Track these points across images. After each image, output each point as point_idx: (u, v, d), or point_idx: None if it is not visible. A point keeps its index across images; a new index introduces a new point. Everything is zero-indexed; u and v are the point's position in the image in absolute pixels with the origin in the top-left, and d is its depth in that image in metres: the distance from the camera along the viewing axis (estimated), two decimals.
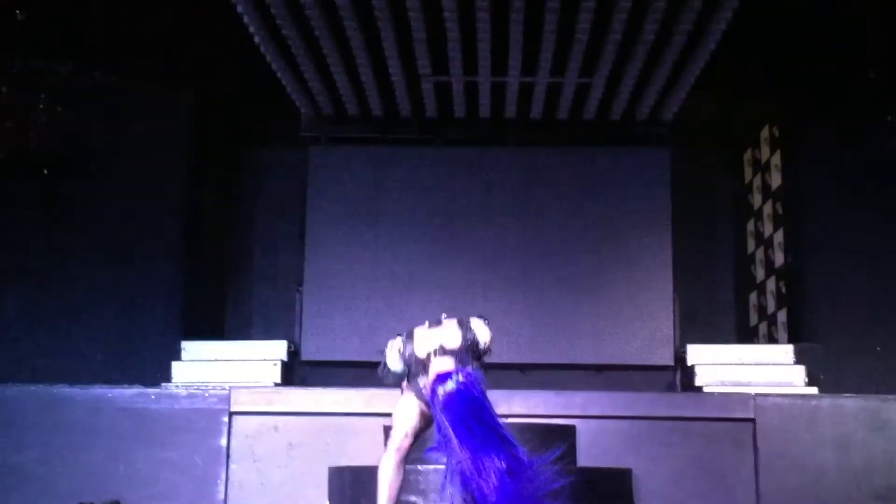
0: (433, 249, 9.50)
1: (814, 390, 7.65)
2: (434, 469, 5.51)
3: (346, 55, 8.42)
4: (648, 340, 9.43)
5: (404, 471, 4.59)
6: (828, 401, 6.39)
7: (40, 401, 6.32)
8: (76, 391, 6.37)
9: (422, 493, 5.40)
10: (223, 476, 6.22)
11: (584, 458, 6.17)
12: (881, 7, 7.46)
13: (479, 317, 4.60)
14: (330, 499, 5.93)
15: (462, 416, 4.23)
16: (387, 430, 5.93)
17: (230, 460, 6.27)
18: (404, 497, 4.48)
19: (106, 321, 8.49)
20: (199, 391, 6.37)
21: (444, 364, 4.40)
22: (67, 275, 8.34)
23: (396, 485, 4.54)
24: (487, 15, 7.63)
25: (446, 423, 4.26)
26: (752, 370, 8.05)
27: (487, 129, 9.65)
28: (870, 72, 7.78)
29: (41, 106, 7.86)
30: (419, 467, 5.42)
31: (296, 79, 8.97)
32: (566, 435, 6.16)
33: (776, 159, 9.43)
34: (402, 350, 4.60)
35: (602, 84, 8.87)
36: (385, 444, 4.59)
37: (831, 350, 8.11)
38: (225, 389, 6.38)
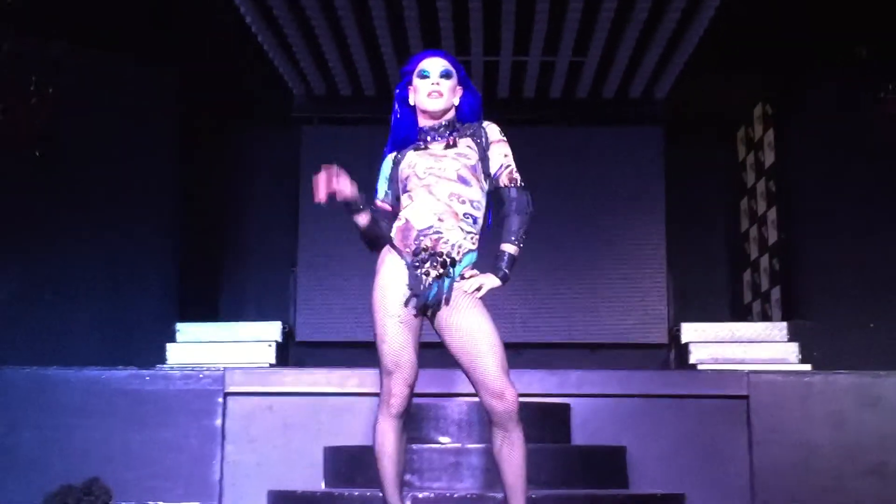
0: None
1: (807, 367, 7.67)
2: (429, 448, 5.52)
3: (338, 34, 8.40)
4: (642, 319, 9.45)
5: (406, 440, 3.83)
6: (821, 377, 6.40)
7: (34, 383, 6.31)
8: (70, 373, 6.35)
9: (417, 472, 5.40)
10: (219, 456, 6.23)
11: (579, 437, 6.19)
12: None
13: None
14: (325, 478, 5.94)
15: None
16: None
17: (225, 441, 6.27)
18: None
19: (100, 303, 8.48)
20: (194, 372, 6.37)
21: None
22: (61, 257, 8.31)
23: (400, 457, 3.78)
24: None
25: None
26: (746, 347, 8.07)
27: None
28: (861, 49, 7.77)
29: (32, 87, 7.83)
30: (413, 446, 5.42)
31: (287, 59, 8.95)
32: (560, 413, 6.18)
33: (769, 137, 9.43)
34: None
35: (595, 63, 8.86)
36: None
37: (825, 327, 8.13)
38: (219, 370, 6.38)
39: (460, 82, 3.95)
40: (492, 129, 3.93)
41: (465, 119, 3.96)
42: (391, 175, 3.96)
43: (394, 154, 3.99)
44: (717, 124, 10.35)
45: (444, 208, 3.76)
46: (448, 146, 3.85)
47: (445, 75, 3.90)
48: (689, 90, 9.51)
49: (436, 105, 3.88)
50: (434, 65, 3.91)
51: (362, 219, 3.84)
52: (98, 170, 8.52)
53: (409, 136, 3.96)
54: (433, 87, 3.88)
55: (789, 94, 9.09)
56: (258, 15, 8.10)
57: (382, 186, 4.02)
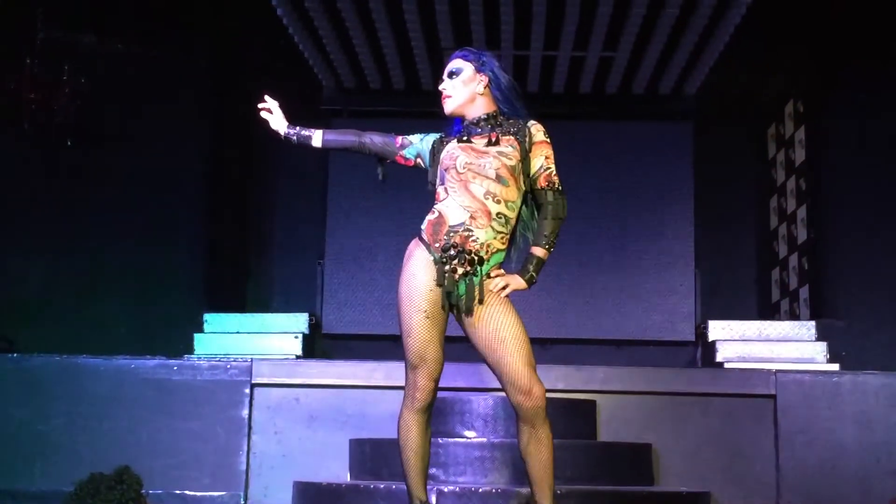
0: None
1: (835, 367, 7.62)
2: (455, 442, 5.53)
3: (369, 27, 8.41)
4: (669, 315, 9.41)
5: (430, 434, 3.83)
6: (849, 377, 6.37)
7: (64, 371, 6.37)
8: (99, 362, 6.41)
9: (442, 466, 5.42)
10: (245, 447, 6.26)
11: (605, 433, 6.19)
12: None
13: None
14: (350, 470, 5.97)
15: None
16: None
17: (252, 431, 6.31)
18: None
19: (129, 293, 8.54)
20: (221, 363, 6.41)
21: None
22: (90, 247, 8.39)
23: (425, 451, 3.79)
24: None
25: None
26: (774, 346, 8.02)
27: None
28: None
29: (65, 77, 7.88)
30: (439, 440, 5.44)
31: (318, 51, 8.96)
32: (587, 410, 6.17)
33: (800, 135, 9.36)
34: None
35: (625, 58, 8.82)
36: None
37: (853, 327, 8.08)
38: (247, 361, 6.41)
39: (479, 70, 3.97)
40: (536, 129, 3.92)
41: (500, 105, 3.96)
42: (433, 156, 3.99)
43: (440, 136, 4.02)
44: (748, 121, 10.29)
45: (479, 206, 3.76)
46: (490, 142, 3.84)
47: (452, 74, 3.98)
48: (719, 86, 9.47)
49: (447, 107, 3.98)
50: (446, 69, 4.01)
51: (313, 144, 4.29)
52: (128, 161, 8.58)
53: (458, 128, 4.01)
54: (442, 90, 3.99)
55: (821, 92, 9.02)
56: (289, 7, 8.12)
57: (417, 142, 4.09)
